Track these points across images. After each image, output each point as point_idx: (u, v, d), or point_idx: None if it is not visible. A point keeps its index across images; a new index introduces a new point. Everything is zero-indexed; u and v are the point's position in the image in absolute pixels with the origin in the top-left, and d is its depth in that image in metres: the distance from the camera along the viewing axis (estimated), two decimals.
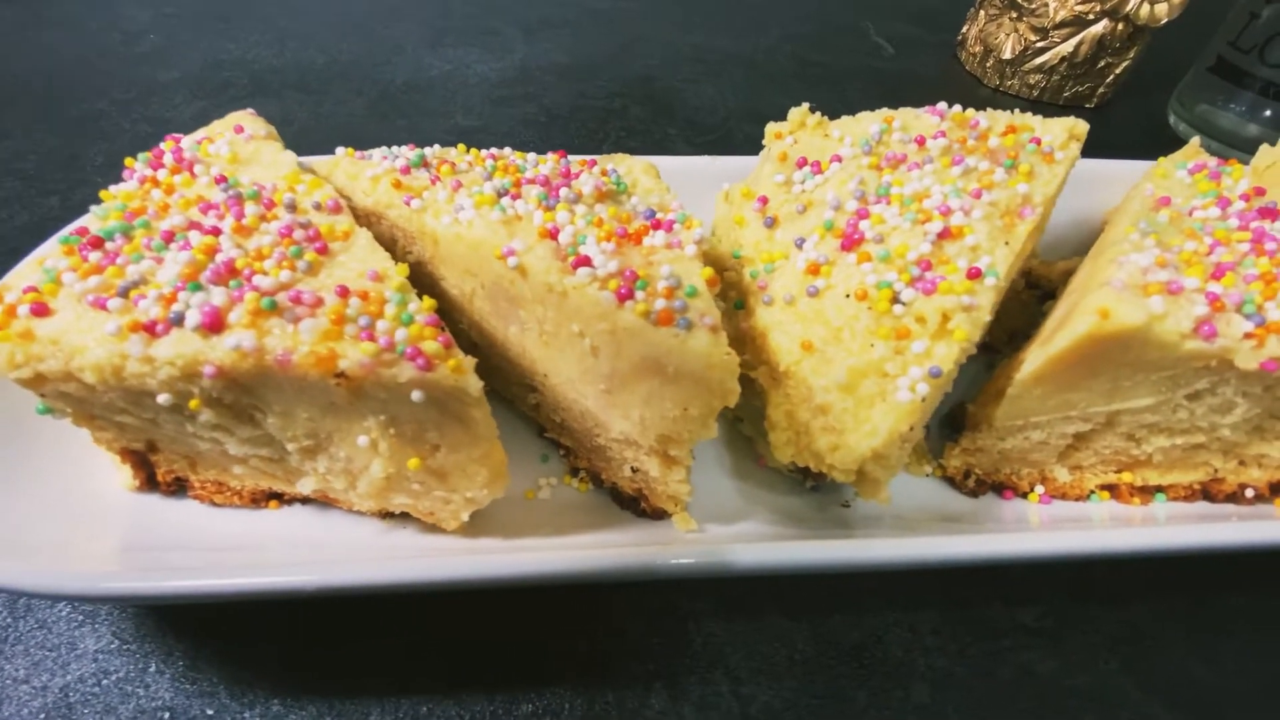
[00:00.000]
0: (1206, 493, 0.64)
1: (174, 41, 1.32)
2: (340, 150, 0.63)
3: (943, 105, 0.68)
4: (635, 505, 0.58)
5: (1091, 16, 1.22)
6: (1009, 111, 0.69)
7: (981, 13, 1.37)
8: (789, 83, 1.38)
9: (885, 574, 0.64)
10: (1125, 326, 0.48)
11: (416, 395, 0.42)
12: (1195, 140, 0.73)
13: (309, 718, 0.54)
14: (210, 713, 0.54)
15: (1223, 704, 0.59)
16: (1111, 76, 1.30)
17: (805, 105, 0.70)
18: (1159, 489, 0.64)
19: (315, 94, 1.21)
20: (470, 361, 0.43)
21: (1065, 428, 0.58)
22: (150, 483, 0.57)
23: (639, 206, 0.57)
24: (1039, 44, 1.28)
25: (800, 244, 0.57)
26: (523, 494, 0.61)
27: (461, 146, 0.65)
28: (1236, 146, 1.19)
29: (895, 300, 0.50)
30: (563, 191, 0.54)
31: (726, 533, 0.59)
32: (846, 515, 0.62)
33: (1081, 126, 0.65)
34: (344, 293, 0.44)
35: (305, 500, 0.58)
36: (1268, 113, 1.17)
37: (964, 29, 1.44)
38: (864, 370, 0.49)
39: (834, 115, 0.72)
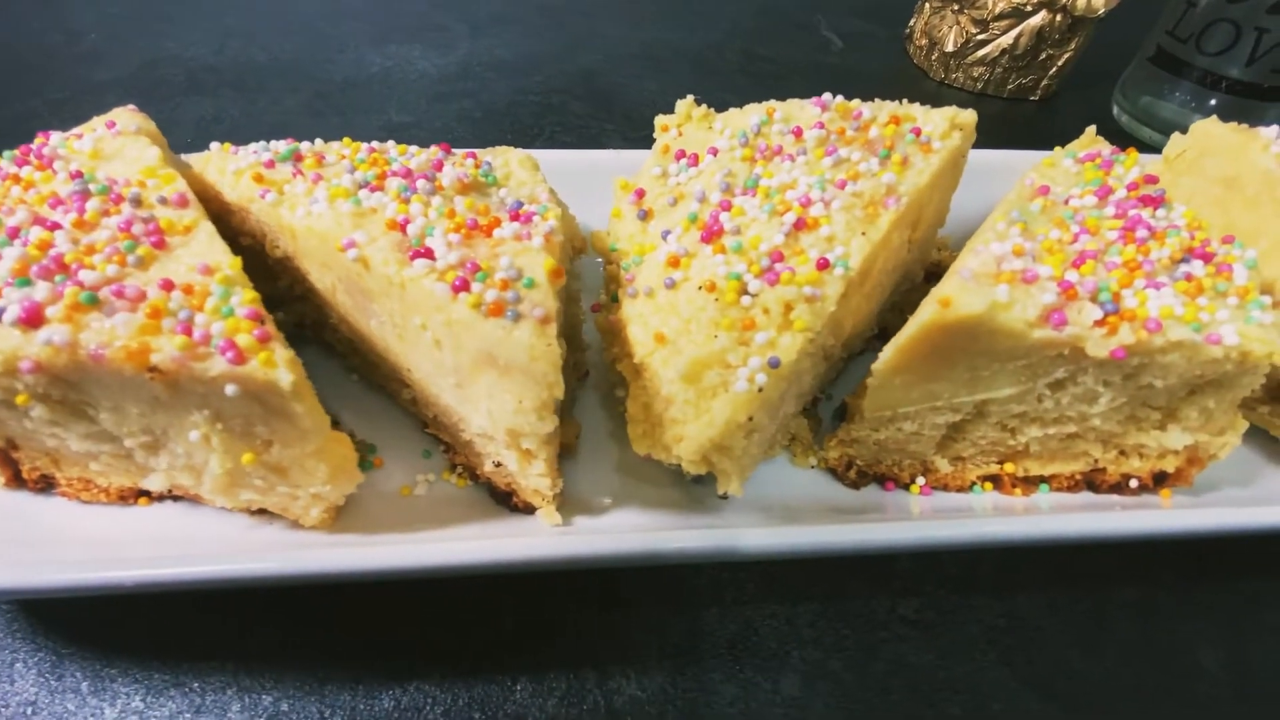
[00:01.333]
0: (1090, 483, 0.64)
1: (115, 41, 1.31)
2: (215, 145, 0.62)
3: (827, 96, 0.68)
4: (508, 500, 0.58)
5: (1030, 8, 1.22)
6: (898, 102, 0.69)
7: (927, 5, 1.36)
8: (733, 78, 1.38)
9: (768, 567, 0.63)
10: (966, 315, 0.47)
11: (230, 389, 0.41)
12: (1091, 129, 0.72)
13: (169, 714, 0.53)
14: (71, 708, 0.54)
15: (1100, 696, 0.59)
16: (1054, 68, 1.29)
17: (690, 98, 0.70)
18: (1043, 480, 0.63)
19: (250, 92, 1.21)
20: (285, 355, 0.43)
21: (936, 418, 0.58)
22: (17, 479, 0.56)
23: (507, 199, 0.57)
24: (980, 36, 1.28)
25: (665, 236, 0.57)
26: (398, 490, 0.61)
27: (347, 140, 0.64)
28: None
29: (744, 292, 0.50)
30: (420, 183, 0.54)
31: (596, 525, 0.58)
32: (725, 506, 0.62)
33: (964, 116, 0.65)
34: (168, 286, 0.44)
35: (177, 497, 0.58)
36: (1212, 101, 1.16)
37: (911, 22, 1.43)
38: (707, 361, 0.48)
39: None
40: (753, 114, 0.65)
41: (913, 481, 0.63)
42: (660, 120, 0.70)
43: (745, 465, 0.53)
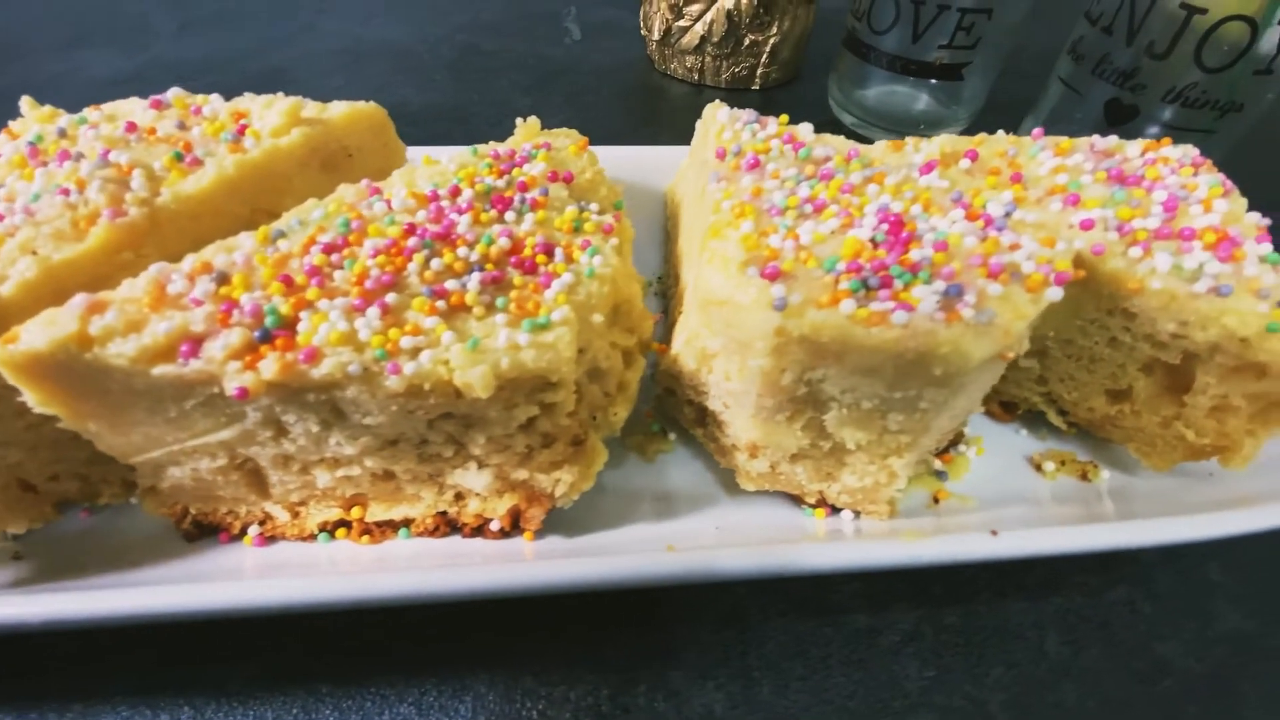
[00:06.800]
0: (455, 525, 0.55)
1: None
2: None
3: (173, 91, 0.60)
4: None
5: None
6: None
7: None
8: (435, 74, 1.29)
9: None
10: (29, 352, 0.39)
11: None
12: (533, 122, 0.63)
13: None
14: None
15: None
16: (765, 55, 1.20)
17: (27, 98, 0.62)
18: (402, 524, 0.55)
19: None
20: None
21: (198, 463, 0.49)
22: None
23: None
24: (679, 23, 1.19)
25: None
26: None
27: None
28: (906, 128, 1.08)
29: None
30: None
31: None
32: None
33: (315, 110, 0.57)
34: None
35: None
36: (932, 82, 1.05)
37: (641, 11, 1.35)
38: None
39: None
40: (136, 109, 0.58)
41: (244, 532, 0.55)
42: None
43: None
